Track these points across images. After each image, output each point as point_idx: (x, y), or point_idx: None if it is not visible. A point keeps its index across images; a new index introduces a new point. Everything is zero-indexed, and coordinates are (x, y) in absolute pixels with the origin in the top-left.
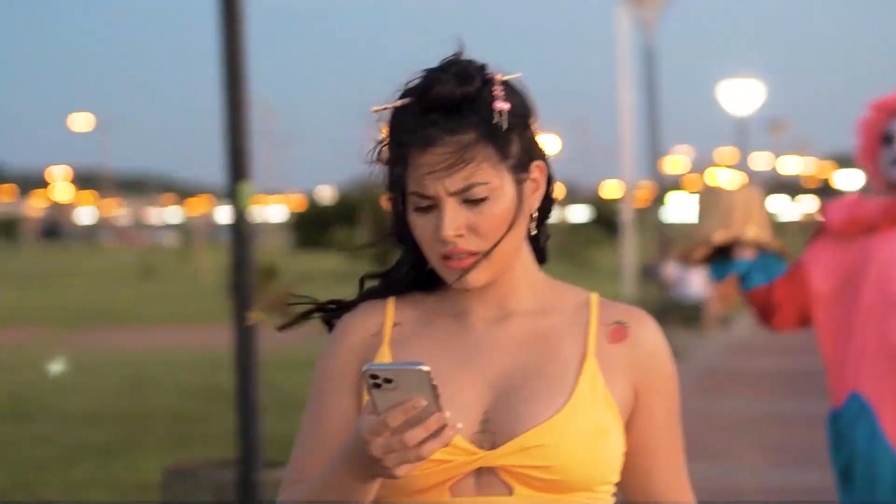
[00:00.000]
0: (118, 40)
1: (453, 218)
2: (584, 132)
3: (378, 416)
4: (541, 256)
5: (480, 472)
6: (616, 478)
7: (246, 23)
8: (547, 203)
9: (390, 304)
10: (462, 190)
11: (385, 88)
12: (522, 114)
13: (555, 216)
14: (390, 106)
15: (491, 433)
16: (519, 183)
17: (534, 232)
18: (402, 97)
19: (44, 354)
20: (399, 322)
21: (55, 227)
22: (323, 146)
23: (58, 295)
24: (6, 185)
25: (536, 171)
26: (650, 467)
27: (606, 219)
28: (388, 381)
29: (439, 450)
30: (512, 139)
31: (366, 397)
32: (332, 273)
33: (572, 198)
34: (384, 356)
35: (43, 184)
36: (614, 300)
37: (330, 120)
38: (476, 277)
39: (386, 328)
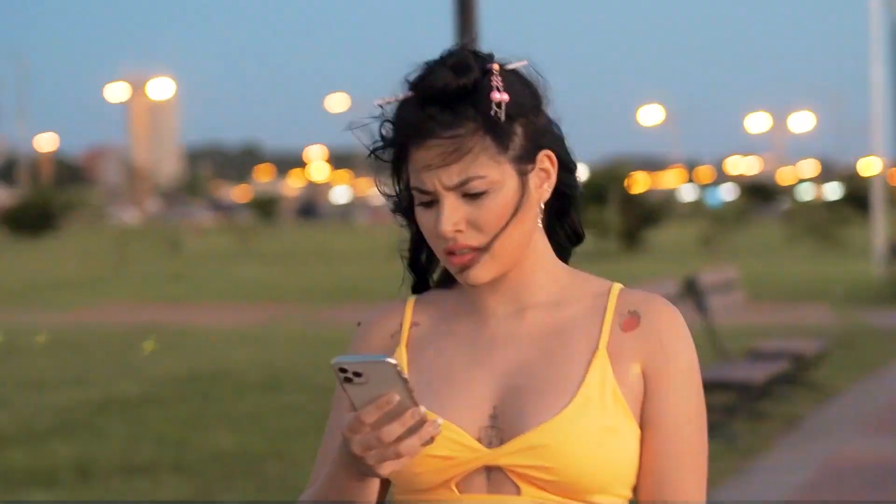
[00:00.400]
0: (378, 22)
1: (451, 213)
2: (838, 108)
3: (354, 412)
4: (562, 248)
5: (491, 469)
6: (631, 478)
7: None
8: (565, 192)
9: (410, 303)
10: (459, 184)
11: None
12: (526, 102)
13: (809, 193)
14: (392, 100)
15: (499, 430)
16: (522, 175)
17: (539, 224)
18: (407, 90)
19: (296, 330)
20: (417, 322)
21: (311, 206)
22: (576, 123)
23: (311, 272)
24: (265, 165)
25: (545, 160)
26: (661, 467)
27: (858, 196)
28: (357, 374)
29: (441, 446)
30: (514, 130)
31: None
32: (581, 253)
33: (827, 175)
34: (401, 357)
35: (300, 164)
36: (636, 288)
37: (585, 97)
38: (479, 273)
39: (404, 329)
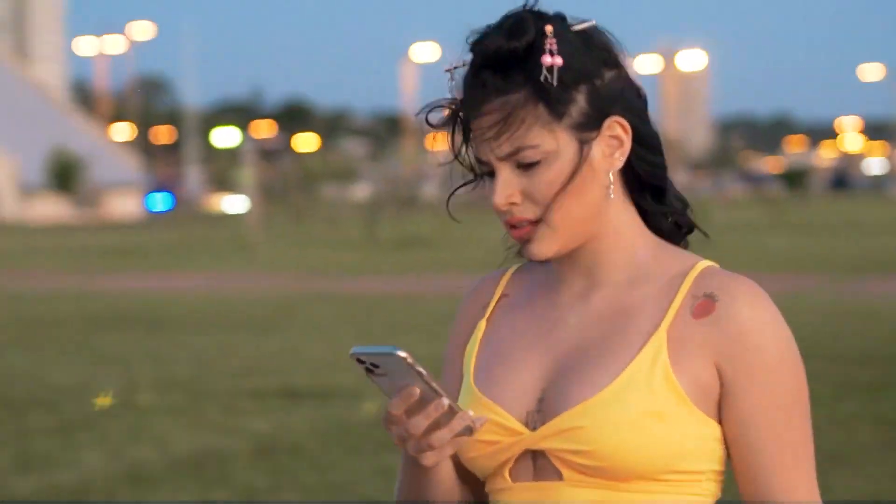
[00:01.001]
0: None
1: (505, 185)
2: None
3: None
4: (654, 221)
5: (536, 455)
6: (691, 465)
7: None
8: (645, 159)
9: (508, 273)
10: (510, 154)
11: None
12: (587, 67)
13: None
14: (459, 65)
15: (542, 413)
16: (583, 143)
17: (612, 195)
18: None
19: (821, 300)
20: (507, 294)
21: (843, 177)
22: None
23: (839, 244)
24: (797, 136)
25: (616, 127)
26: (755, 465)
27: None
28: (375, 366)
29: (488, 431)
30: (571, 97)
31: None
32: None
33: None
34: (480, 329)
35: (832, 134)
36: (727, 270)
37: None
38: (541, 247)
39: (494, 300)
